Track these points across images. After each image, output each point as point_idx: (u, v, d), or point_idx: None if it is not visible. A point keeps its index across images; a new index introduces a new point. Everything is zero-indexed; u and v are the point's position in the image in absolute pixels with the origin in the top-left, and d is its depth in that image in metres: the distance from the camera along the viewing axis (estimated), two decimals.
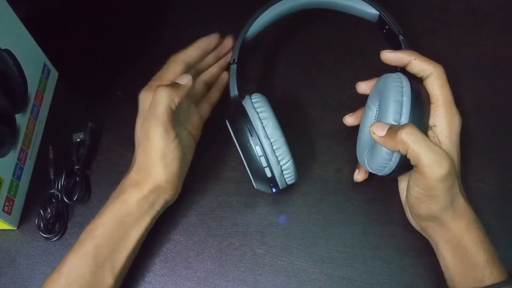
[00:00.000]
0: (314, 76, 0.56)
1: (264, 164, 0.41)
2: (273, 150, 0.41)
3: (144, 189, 0.42)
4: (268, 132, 0.41)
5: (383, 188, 0.48)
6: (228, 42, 0.51)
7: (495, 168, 0.49)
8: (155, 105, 0.41)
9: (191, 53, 0.48)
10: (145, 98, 0.45)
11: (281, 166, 0.41)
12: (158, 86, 0.42)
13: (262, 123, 0.41)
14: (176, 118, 0.43)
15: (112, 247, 0.41)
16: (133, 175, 0.43)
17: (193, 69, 0.49)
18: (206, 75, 0.50)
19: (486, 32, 0.57)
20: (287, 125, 0.52)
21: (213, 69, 0.51)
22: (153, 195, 0.42)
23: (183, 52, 0.48)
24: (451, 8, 0.60)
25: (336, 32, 0.58)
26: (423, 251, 0.44)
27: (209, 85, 0.51)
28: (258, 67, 0.57)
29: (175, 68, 0.46)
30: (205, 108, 0.50)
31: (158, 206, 0.43)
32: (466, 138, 0.50)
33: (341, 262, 0.45)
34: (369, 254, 0.46)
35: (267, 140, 0.40)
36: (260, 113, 0.41)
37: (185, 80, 0.43)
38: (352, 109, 0.49)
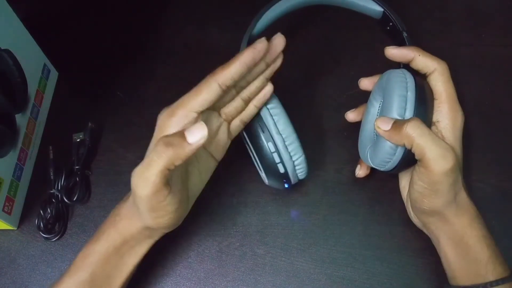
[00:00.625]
0: (314, 76, 0.56)
1: (277, 160, 0.41)
2: (286, 146, 0.41)
3: (137, 225, 0.39)
4: (280, 128, 0.41)
5: (384, 188, 0.48)
6: (279, 43, 0.40)
7: (495, 168, 0.49)
8: (148, 163, 0.34)
9: (231, 72, 0.37)
10: (162, 123, 0.38)
11: (293, 162, 0.41)
12: (161, 138, 0.35)
13: (273, 119, 0.41)
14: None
15: (107, 275, 0.40)
16: (127, 207, 0.40)
17: (233, 89, 0.41)
18: (246, 92, 0.41)
19: (486, 32, 0.57)
20: None
21: (256, 83, 0.41)
22: (148, 231, 0.40)
23: (222, 70, 0.37)
24: (451, 8, 0.60)
25: (337, 32, 0.58)
26: (423, 251, 0.44)
27: (248, 101, 0.42)
28: None
29: (207, 93, 0.37)
30: (236, 126, 0.43)
31: (156, 237, 0.41)
32: (466, 138, 0.50)
33: (341, 262, 0.45)
34: (369, 254, 0.46)
35: (279, 136, 0.41)
36: (271, 109, 0.41)
37: (197, 137, 0.34)
38: (352, 109, 0.49)
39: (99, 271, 0.39)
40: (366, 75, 0.46)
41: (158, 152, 0.34)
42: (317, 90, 0.55)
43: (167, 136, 0.35)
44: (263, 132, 0.41)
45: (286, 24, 0.58)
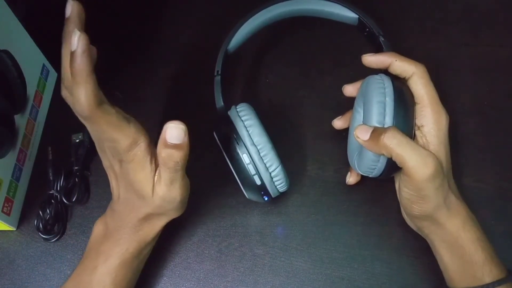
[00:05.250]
0: (313, 76, 0.56)
1: (253, 171, 0.40)
2: (261, 157, 0.40)
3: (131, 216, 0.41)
4: (255, 140, 0.40)
5: (382, 188, 0.48)
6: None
7: (494, 168, 0.49)
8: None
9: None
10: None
11: (270, 173, 0.41)
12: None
13: (247, 130, 0.41)
14: None
15: None
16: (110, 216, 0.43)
17: None
18: None
19: (485, 32, 0.57)
20: (287, 125, 0.53)
21: None
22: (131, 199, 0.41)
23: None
24: (450, 8, 0.60)
25: (336, 32, 0.57)
26: (422, 251, 0.44)
27: None
28: (258, 68, 0.57)
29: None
30: None
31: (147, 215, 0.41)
32: (465, 138, 0.50)
33: (340, 262, 0.45)
34: (368, 254, 0.46)
35: (254, 148, 0.40)
36: (245, 121, 0.41)
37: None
38: (351, 109, 0.49)
39: None
40: (365, 75, 0.46)
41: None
42: (317, 91, 0.55)
43: None
44: (237, 144, 0.40)
45: (285, 24, 0.58)
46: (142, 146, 0.37)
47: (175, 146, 0.35)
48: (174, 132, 0.35)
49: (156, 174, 0.38)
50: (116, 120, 0.35)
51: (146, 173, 0.37)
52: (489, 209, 0.47)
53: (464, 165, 0.48)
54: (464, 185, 0.48)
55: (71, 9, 0.37)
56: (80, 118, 0.36)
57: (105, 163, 0.41)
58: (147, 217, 0.40)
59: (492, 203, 0.47)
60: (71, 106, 0.35)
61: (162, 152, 0.35)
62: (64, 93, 0.36)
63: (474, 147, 0.50)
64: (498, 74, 0.54)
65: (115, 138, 0.36)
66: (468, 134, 0.50)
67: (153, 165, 0.38)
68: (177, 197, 0.39)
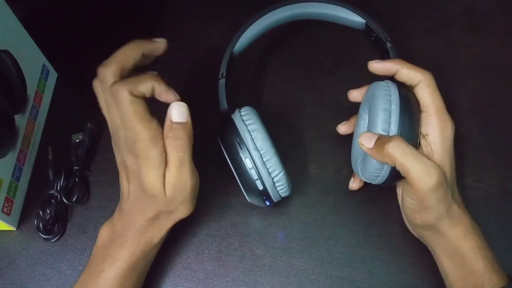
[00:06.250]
0: (313, 77, 0.56)
1: (255, 176, 0.40)
2: (263, 162, 0.40)
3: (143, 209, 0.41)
4: (258, 144, 0.40)
5: (383, 188, 0.48)
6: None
7: (494, 168, 0.49)
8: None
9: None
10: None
11: (272, 178, 0.41)
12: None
13: (251, 135, 0.40)
14: None
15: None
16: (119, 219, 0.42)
17: None
18: None
19: (485, 32, 0.57)
20: (287, 125, 0.53)
21: None
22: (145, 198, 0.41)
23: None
24: (450, 8, 0.60)
25: (336, 33, 0.57)
26: (423, 251, 0.44)
27: None
28: (258, 68, 0.57)
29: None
30: None
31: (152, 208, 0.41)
32: (465, 138, 0.50)
33: (340, 262, 0.45)
34: (369, 255, 0.46)
35: (257, 152, 0.40)
36: (249, 125, 0.41)
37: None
38: (351, 109, 0.49)
39: None
40: (366, 76, 0.46)
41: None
42: (316, 90, 0.55)
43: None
44: (240, 148, 0.40)
45: (285, 24, 0.58)
46: (159, 145, 0.37)
47: (180, 124, 0.37)
48: (178, 109, 0.37)
49: (166, 168, 0.38)
50: (142, 111, 0.37)
51: (158, 173, 0.38)
52: (489, 209, 0.47)
53: (464, 165, 0.49)
54: (464, 185, 0.48)
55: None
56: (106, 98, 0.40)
57: (118, 159, 0.41)
58: (155, 217, 0.40)
59: (491, 203, 0.47)
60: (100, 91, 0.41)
61: (169, 132, 0.37)
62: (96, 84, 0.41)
63: (474, 147, 0.50)
64: (498, 74, 0.54)
65: (135, 127, 0.36)
66: (468, 134, 0.50)
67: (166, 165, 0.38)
68: (187, 183, 0.38)
